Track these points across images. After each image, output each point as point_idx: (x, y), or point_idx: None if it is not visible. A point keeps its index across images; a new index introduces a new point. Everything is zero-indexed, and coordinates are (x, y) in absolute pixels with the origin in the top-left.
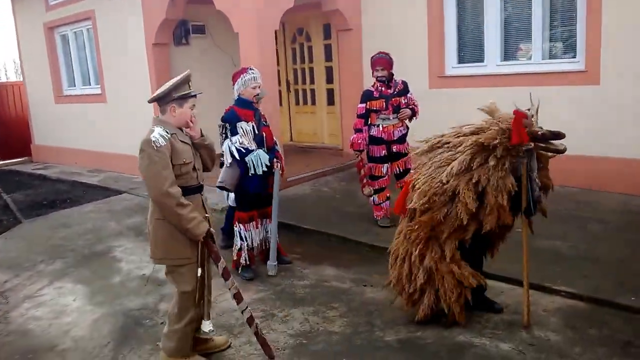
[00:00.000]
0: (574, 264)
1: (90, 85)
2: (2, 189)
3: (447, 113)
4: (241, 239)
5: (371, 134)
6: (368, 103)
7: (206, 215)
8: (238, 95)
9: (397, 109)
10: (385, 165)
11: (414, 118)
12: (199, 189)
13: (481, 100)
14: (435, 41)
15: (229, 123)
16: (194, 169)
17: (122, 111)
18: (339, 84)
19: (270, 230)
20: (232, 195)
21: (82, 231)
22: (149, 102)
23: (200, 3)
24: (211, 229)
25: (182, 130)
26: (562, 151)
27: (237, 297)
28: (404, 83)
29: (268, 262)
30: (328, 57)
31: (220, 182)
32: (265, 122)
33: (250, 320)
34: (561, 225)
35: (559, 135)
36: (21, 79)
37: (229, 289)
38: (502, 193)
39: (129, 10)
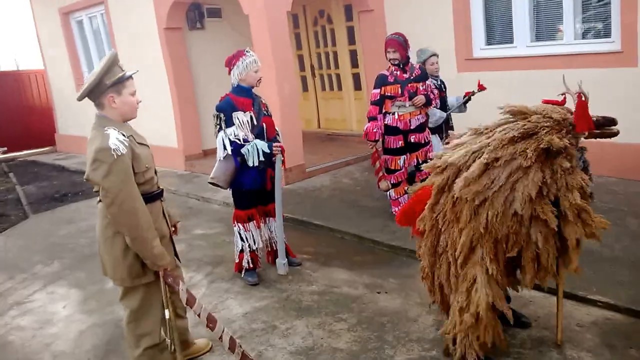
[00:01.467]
0: (609, 268)
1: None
2: (18, 180)
3: (477, 99)
4: (241, 239)
5: (386, 122)
6: (382, 88)
7: (167, 223)
8: (237, 82)
9: (413, 96)
10: (402, 157)
11: (431, 107)
12: (159, 194)
13: (512, 83)
14: (462, 21)
15: (224, 113)
16: (155, 173)
17: (140, 99)
18: (364, 68)
19: (274, 230)
20: None
21: (85, 228)
22: (79, 99)
23: None
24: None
25: (134, 130)
26: (616, 134)
27: (210, 320)
28: (422, 69)
29: (277, 260)
30: (351, 40)
31: (211, 177)
32: (267, 111)
33: (232, 345)
34: None
35: (613, 122)
36: (42, 67)
37: (198, 316)
38: (573, 192)
39: None
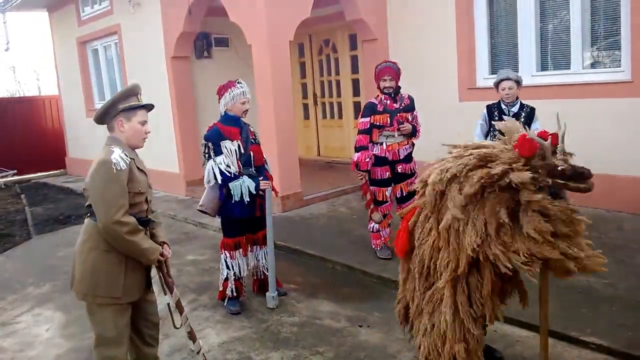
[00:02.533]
0: (608, 308)
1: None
2: (28, 202)
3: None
4: (227, 267)
5: (374, 153)
6: (372, 117)
7: None
8: (225, 111)
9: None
10: (389, 188)
11: (414, 138)
12: (145, 223)
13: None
14: (465, 51)
15: (212, 142)
16: (146, 200)
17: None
18: (365, 97)
19: (262, 258)
20: None
21: None
22: (95, 118)
23: (221, 16)
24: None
25: (137, 156)
26: (586, 190)
27: (192, 335)
28: (410, 98)
29: (267, 294)
30: (355, 69)
31: (200, 205)
32: (254, 139)
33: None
34: None
35: (582, 175)
36: (57, 93)
37: (182, 325)
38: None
39: (150, 23)
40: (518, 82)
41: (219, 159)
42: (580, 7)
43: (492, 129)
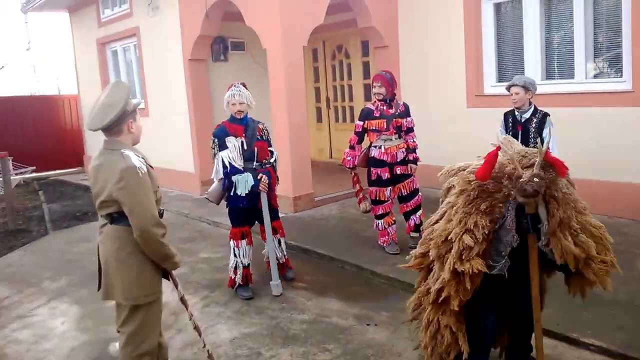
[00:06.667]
0: (608, 311)
1: (135, 98)
2: (46, 198)
3: (485, 133)
4: (234, 256)
5: (372, 155)
6: (366, 122)
7: None
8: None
9: (398, 130)
10: (389, 188)
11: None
12: (161, 216)
13: None
14: (473, 59)
15: (218, 138)
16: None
17: (162, 126)
18: None
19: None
20: None
21: None
22: (106, 125)
23: (237, 20)
24: None
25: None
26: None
27: (198, 329)
28: (406, 106)
29: (271, 282)
30: (366, 74)
31: (206, 193)
32: (261, 136)
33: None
34: None
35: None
36: (76, 92)
37: (190, 319)
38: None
39: (169, 26)
40: (526, 88)
41: (224, 152)
42: (584, 19)
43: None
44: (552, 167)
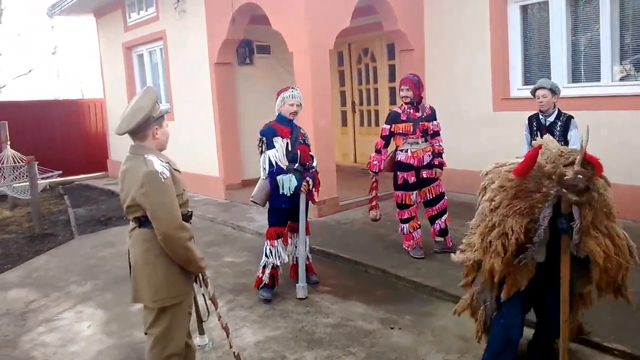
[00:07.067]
0: (632, 316)
1: (161, 102)
2: (71, 203)
3: (511, 137)
4: (266, 255)
5: (399, 159)
6: (393, 125)
7: None
8: (278, 112)
9: (425, 133)
10: (415, 192)
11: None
12: (190, 216)
13: None
14: (500, 62)
15: (266, 137)
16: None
17: (187, 129)
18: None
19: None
20: None
21: (124, 251)
22: (131, 130)
23: (263, 24)
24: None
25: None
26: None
27: (227, 330)
28: (432, 109)
29: (297, 285)
30: (392, 77)
31: (251, 196)
32: (303, 140)
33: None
34: None
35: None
36: (100, 96)
37: (219, 319)
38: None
39: (195, 30)
40: (553, 91)
41: (271, 152)
42: (610, 22)
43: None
44: (590, 165)
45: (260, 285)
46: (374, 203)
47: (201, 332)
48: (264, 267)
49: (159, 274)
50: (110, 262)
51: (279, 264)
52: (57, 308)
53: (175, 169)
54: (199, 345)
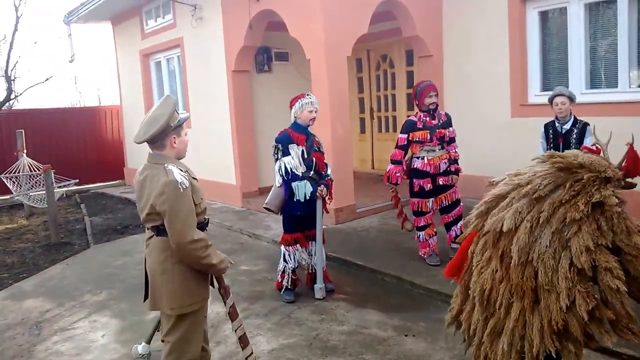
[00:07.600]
0: None
1: (179, 110)
2: (88, 211)
3: (529, 144)
4: (285, 260)
5: (415, 166)
6: (410, 134)
7: None
8: (294, 119)
9: (441, 141)
10: (431, 199)
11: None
12: (207, 224)
13: None
14: (518, 68)
15: (282, 144)
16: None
17: (205, 137)
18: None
19: (314, 253)
20: None
21: (139, 260)
22: (149, 139)
23: (281, 31)
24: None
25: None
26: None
27: (243, 340)
28: (448, 116)
29: (315, 286)
30: (410, 83)
31: (265, 203)
32: (319, 148)
33: None
34: None
35: None
36: (116, 103)
37: (235, 331)
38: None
39: (212, 37)
40: (571, 99)
41: (287, 159)
42: (628, 28)
43: (549, 147)
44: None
45: (282, 290)
46: (403, 216)
47: (148, 340)
48: (283, 271)
49: (175, 281)
50: (125, 271)
51: (296, 267)
52: (72, 317)
53: (194, 177)
54: (140, 354)
